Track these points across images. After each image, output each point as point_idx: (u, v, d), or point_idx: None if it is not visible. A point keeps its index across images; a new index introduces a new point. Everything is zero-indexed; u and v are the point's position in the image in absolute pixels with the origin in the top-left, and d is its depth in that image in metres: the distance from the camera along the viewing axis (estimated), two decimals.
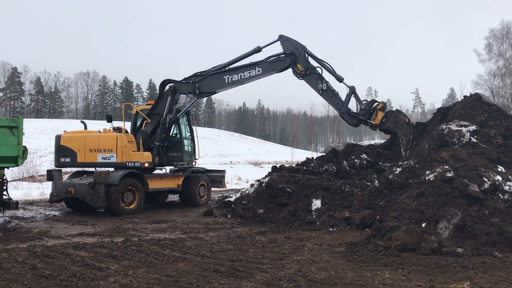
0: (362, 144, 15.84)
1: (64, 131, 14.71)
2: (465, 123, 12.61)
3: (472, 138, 12.00)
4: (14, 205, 11.28)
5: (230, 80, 14.10)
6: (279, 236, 9.92)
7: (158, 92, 15.38)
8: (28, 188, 21.15)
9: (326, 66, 13.43)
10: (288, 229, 10.86)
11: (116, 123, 14.60)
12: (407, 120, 13.01)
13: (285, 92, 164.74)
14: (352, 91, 13.23)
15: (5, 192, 11.29)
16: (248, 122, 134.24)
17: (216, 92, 15.14)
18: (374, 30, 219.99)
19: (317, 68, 13.45)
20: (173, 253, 8.04)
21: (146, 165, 13.95)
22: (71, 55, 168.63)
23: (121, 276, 6.49)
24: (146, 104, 16.71)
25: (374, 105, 13.19)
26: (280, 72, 13.83)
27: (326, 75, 13.71)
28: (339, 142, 79.27)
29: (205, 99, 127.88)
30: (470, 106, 13.72)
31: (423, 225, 8.68)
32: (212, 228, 10.92)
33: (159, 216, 12.82)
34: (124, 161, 13.44)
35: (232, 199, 14.15)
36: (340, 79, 13.34)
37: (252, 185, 14.24)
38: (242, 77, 13.97)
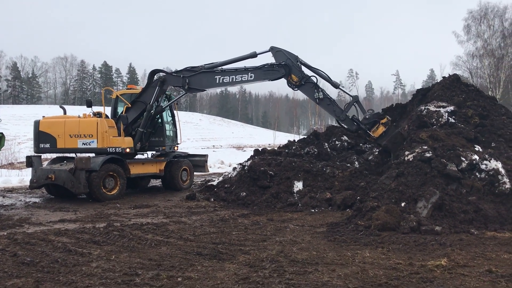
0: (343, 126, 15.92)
1: (43, 117, 14.46)
2: (444, 104, 12.78)
3: (450, 119, 12.18)
4: None
5: (221, 81, 13.93)
6: (261, 218, 10.01)
7: (147, 79, 15.08)
8: (7, 176, 20.80)
9: (321, 74, 13.25)
10: (271, 211, 10.96)
11: (96, 108, 14.40)
12: (404, 143, 12.86)
13: None
14: (355, 100, 13.09)
15: None
16: (230, 106, 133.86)
17: (205, 90, 15.01)
18: (354, 12, 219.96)
19: (312, 77, 13.30)
20: (155, 237, 8.06)
21: (128, 150, 13.84)
22: (48, 39, 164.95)
23: (103, 261, 6.48)
24: (126, 89, 16.50)
25: (378, 118, 12.86)
26: (271, 81, 13.69)
27: (321, 82, 13.64)
28: (321, 125, 79.69)
29: None
30: (448, 87, 13.88)
31: (403, 204, 8.85)
32: (195, 212, 10.95)
33: (141, 201, 12.78)
34: (105, 147, 13.32)
35: (214, 183, 14.18)
36: (336, 85, 13.28)
37: (234, 168, 14.29)
38: (234, 80, 13.82)
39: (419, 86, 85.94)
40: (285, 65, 13.23)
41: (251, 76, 13.65)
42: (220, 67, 14.01)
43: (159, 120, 15.26)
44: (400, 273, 5.83)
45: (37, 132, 13.79)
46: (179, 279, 5.67)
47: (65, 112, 14.67)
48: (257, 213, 10.69)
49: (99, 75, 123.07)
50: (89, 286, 5.40)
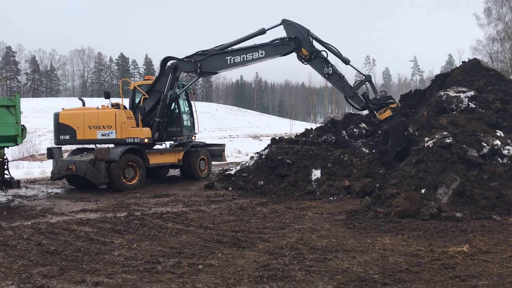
0: (361, 113, 15.80)
1: (63, 109, 14.67)
2: (463, 89, 12.57)
3: (470, 104, 11.98)
4: (16, 184, 11.34)
5: (232, 61, 13.90)
6: (279, 207, 10.03)
7: (159, 68, 15.15)
8: (29, 167, 21.19)
9: (332, 49, 13.10)
10: (289, 200, 10.96)
11: (115, 100, 14.55)
12: (405, 133, 12.68)
13: (283, 64, 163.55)
14: (368, 79, 12.95)
15: (6, 171, 11.35)
16: (246, 96, 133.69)
17: (218, 73, 14.97)
18: None
19: (322, 52, 13.17)
20: (176, 226, 8.15)
21: (146, 140, 13.97)
22: (65, 32, 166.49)
23: (125, 250, 6.58)
24: (144, 80, 16.60)
25: (388, 101, 12.66)
26: (283, 56, 13.59)
27: (332, 58, 13.43)
28: (338, 113, 79.11)
29: None
30: (468, 71, 13.64)
31: (423, 191, 8.76)
32: (214, 201, 11.03)
33: (160, 191, 12.90)
34: (124, 137, 13.46)
35: (232, 172, 14.22)
36: (346, 62, 13.08)
37: (251, 157, 14.30)
38: (245, 59, 13.76)
39: (437, 72, 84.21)
40: (295, 38, 13.14)
41: (262, 53, 13.60)
42: (230, 48, 13.97)
43: (176, 110, 15.33)
44: (421, 260, 5.80)
45: (57, 124, 14.03)
46: (200, 266, 5.73)
47: (84, 104, 14.85)
48: (275, 202, 10.71)
49: (116, 67, 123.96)
50: (112, 274, 5.49)
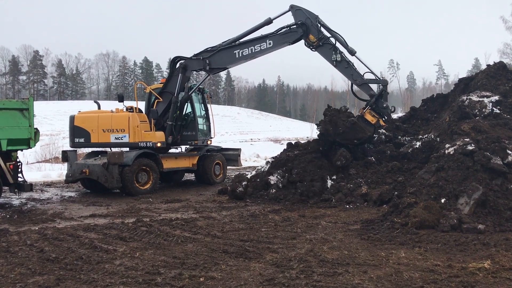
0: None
1: (79, 112, 14.68)
2: (488, 93, 12.01)
3: (494, 109, 11.42)
4: (29, 187, 11.34)
5: (240, 55, 13.68)
6: (293, 214, 9.69)
7: (169, 69, 15.07)
8: (50, 170, 21.38)
9: (339, 38, 12.80)
10: (303, 207, 10.61)
11: (129, 103, 14.47)
12: (355, 141, 12.53)
13: (305, 68, 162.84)
14: (385, 83, 12.71)
15: (19, 175, 11.35)
16: (268, 99, 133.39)
17: (227, 68, 14.74)
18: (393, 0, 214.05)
19: (331, 39, 12.87)
20: (183, 234, 7.91)
21: (159, 145, 13.80)
22: (90, 36, 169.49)
23: (127, 259, 6.37)
24: (160, 83, 16.47)
25: (385, 115, 12.53)
26: (292, 44, 13.33)
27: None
28: None
29: (224, 76, 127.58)
30: (493, 75, 13.06)
31: (442, 200, 8.32)
32: (226, 207, 10.76)
33: (174, 196, 12.72)
34: (136, 141, 13.34)
35: (247, 177, 13.91)
36: (352, 52, 12.73)
37: (267, 162, 13.97)
38: (253, 51, 13.52)
39: (463, 76, 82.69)
40: (302, 24, 12.84)
41: (269, 43, 13.32)
42: (237, 41, 13.73)
43: (191, 115, 15.13)
44: (438, 276, 5.41)
45: (72, 127, 14.05)
46: (201, 279, 5.46)
47: (99, 107, 14.80)
48: (288, 209, 10.37)
49: (140, 71, 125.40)
50: (109, 285, 5.27)
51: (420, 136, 12.96)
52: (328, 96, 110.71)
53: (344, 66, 12.71)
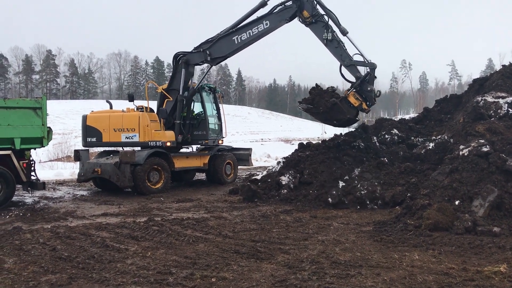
0: (394, 118, 15.16)
1: (91, 111, 14.76)
2: (503, 94, 11.83)
3: (510, 110, 11.25)
4: (41, 185, 11.43)
5: (239, 40, 13.59)
6: (304, 215, 9.63)
7: (172, 66, 15.05)
8: (63, 168, 21.52)
9: (332, 16, 12.60)
10: (315, 208, 10.54)
11: (139, 102, 14.51)
12: (335, 122, 12.57)
13: (316, 67, 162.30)
14: (372, 67, 12.26)
15: (32, 173, 11.43)
16: (279, 99, 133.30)
17: (228, 56, 14.41)
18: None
19: (324, 16, 12.65)
20: (194, 233, 7.89)
21: (168, 144, 13.78)
22: (102, 36, 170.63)
23: (139, 258, 6.37)
24: None
25: (369, 100, 12.24)
26: (289, 21, 13.14)
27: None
28: (372, 117, 77.66)
29: (235, 76, 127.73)
30: (509, 76, 12.87)
31: (457, 202, 8.23)
32: (237, 207, 10.73)
33: (185, 195, 12.72)
34: (146, 140, 13.38)
35: (258, 177, 13.87)
36: (344, 32, 12.50)
37: (278, 162, 13.92)
38: (251, 34, 13.41)
39: (476, 76, 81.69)
40: (297, 0, 12.71)
41: (266, 24, 13.23)
42: (235, 28, 13.68)
43: (202, 114, 15.09)
44: (452, 280, 5.33)
45: (85, 126, 14.13)
46: (213, 279, 5.44)
47: (111, 107, 14.87)
48: (300, 210, 10.30)
49: (151, 70, 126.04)
50: (121, 285, 5.27)
51: (434, 137, 12.80)
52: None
53: (334, 46, 12.51)
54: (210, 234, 7.88)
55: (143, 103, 14.55)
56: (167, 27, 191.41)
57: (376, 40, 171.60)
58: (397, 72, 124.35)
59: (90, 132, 14.01)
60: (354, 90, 12.28)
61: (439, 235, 7.36)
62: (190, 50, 14.47)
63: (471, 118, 11.39)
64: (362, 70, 12.49)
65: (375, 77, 12.55)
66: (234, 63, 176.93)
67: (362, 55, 12.41)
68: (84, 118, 14.24)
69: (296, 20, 13.16)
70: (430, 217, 7.76)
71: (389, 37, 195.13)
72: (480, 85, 13.86)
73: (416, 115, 17.57)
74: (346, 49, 12.61)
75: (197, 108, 15.21)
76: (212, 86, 15.96)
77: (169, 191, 13.45)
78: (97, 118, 14.06)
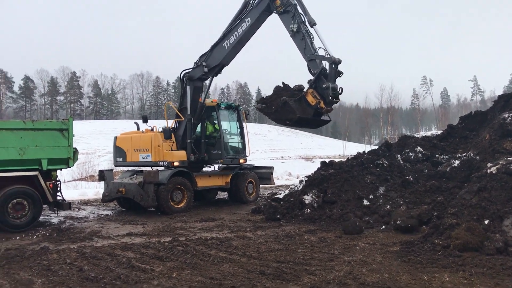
0: (417, 136, 14.98)
1: (122, 133, 15.19)
2: None
3: None
4: (67, 205, 11.58)
5: (229, 44, 13.67)
6: (329, 235, 9.52)
7: (181, 86, 15.27)
8: (87, 188, 21.81)
9: (303, 7, 12.32)
10: (339, 228, 10.40)
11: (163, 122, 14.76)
12: (286, 122, 12.12)
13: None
14: (333, 61, 11.39)
15: (58, 193, 11.61)
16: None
17: (224, 63, 14.21)
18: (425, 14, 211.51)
19: (294, 6, 12.39)
20: (219, 254, 7.86)
21: (176, 164, 13.74)
22: (125, 57, 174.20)
23: (165, 279, 6.37)
24: None
25: (330, 98, 11.44)
26: (269, 13, 13.00)
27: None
28: (394, 134, 76.97)
29: (254, 95, 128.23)
30: None
31: (486, 222, 8.02)
32: (260, 227, 10.67)
33: (207, 214, 12.73)
34: (157, 160, 13.68)
35: (281, 196, 13.81)
36: (311, 23, 12.08)
37: (301, 181, 13.84)
38: (237, 35, 13.43)
39: (499, 92, 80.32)
40: None
41: (248, 21, 13.25)
42: (222, 34, 13.81)
43: (218, 133, 14.91)
44: None
45: (115, 147, 14.78)
46: None
47: (138, 128, 15.10)
48: (324, 229, 10.18)
49: (173, 90, 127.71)
50: None
51: (459, 155, 12.58)
52: (360, 113, 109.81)
53: (300, 38, 12.18)
54: (235, 254, 7.84)
55: (163, 123, 14.82)
56: (188, 49, 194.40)
57: (397, 57, 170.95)
58: (418, 88, 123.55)
59: (118, 152, 14.71)
60: (313, 89, 11.70)
61: (469, 255, 7.16)
62: (191, 67, 14.68)
63: (497, 135, 11.20)
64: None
65: (341, 73, 11.68)
66: (253, 81, 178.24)
67: (324, 49, 11.76)
68: (115, 139, 14.95)
69: None
70: (459, 237, 7.57)
71: (410, 53, 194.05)
72: (505, 101, 13.62)
73: (438, 131, 17.34)
74: (312, 42, 12.12)
75: (213, 126, 15.19)
76: (233, 104, 15.96)
77: (192, 210, 13.49)
78: (123, 139, 14.74)
